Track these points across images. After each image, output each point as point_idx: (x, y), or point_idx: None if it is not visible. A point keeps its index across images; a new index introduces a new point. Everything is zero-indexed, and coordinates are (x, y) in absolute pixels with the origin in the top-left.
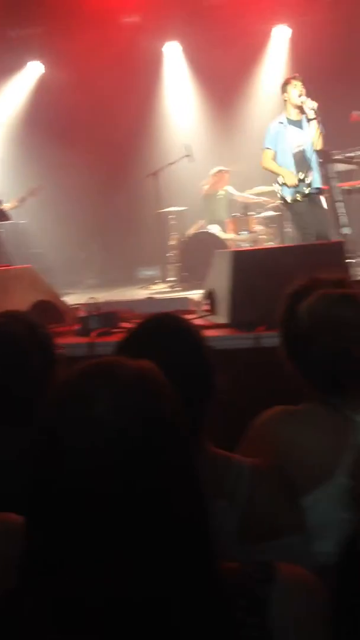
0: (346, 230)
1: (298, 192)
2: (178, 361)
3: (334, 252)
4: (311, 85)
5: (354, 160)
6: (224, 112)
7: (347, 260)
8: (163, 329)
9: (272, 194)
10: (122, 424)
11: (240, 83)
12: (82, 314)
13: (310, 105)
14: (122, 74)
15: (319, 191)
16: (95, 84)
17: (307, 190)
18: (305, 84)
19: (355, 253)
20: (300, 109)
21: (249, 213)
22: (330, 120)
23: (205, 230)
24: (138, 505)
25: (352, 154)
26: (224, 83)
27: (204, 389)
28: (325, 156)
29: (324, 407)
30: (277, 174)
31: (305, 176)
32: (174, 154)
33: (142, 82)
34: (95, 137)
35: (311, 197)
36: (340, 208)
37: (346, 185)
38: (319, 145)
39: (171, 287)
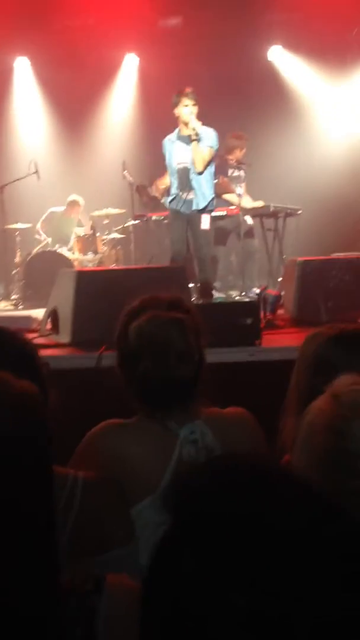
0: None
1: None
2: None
3: (176, 276)
4: (156, 112)
5: None
6: (74, 132)
7: (188, 284)
8: None
9: (120, 216)
10: None
11: (91, 105)
12: None
13: (192, 125)
14: None
15: (199, 212)
16: None
17: (173, 204)
18: (200, 103)
19: None
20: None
21: (96, 234)
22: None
23: (51, 249)
24: None
25: None
26: (74, 104)
27: None
28: (139, 189)
29: (151, 421)
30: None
31: (182, 194)
32: (21, 170)
33: None
34: None
35: (189, 217)
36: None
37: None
38: (199, 167)
39: (14, 304)
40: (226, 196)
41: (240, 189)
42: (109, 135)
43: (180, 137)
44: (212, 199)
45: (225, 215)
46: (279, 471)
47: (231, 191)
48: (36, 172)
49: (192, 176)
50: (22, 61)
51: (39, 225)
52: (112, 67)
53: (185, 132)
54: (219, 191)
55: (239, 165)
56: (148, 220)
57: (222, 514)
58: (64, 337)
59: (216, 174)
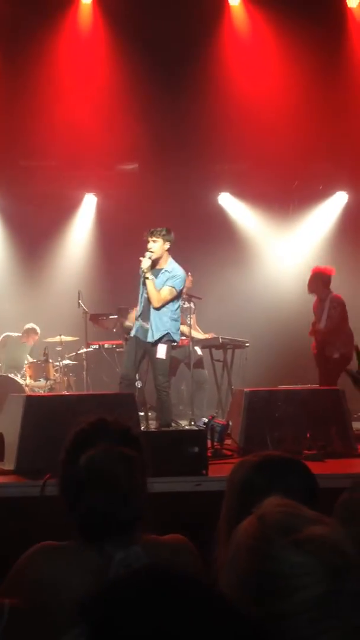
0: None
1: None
2: None
3: (126, 403)
4: (112, 248)
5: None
6: (33, 263)
7: (138, 412)
8: None
9: (73, 344)
10: None
11: (50, 238)
12: None
13: (142, 265)
14: None
15: (153, 344)
16: None
17: (132, 333)
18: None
19: None
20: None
21: (49, 361)
22: (130, 283)
23: (2, 374)
24: None
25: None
26: (34, 236)
27: None
28: (93, 318)
29: (87, 544)
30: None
31: (142, 323)
32: None
33: None
34: None
35: (145, 346)
36: None
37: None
38: (154, 304)
39: None
40: None
41: (190, 320)
42: (66, 267)
43: (152, 271)
44: (167, 333)
45: (176, 345)
46: (192, 586)
47: (183, 322)
48: None
49: (152, 308)
50: None
51: None
52: (71, 205)
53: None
54: None
55: (189, 297)
56: (101, 348)
57: (132, 632)
58: (9, 464)
59: None
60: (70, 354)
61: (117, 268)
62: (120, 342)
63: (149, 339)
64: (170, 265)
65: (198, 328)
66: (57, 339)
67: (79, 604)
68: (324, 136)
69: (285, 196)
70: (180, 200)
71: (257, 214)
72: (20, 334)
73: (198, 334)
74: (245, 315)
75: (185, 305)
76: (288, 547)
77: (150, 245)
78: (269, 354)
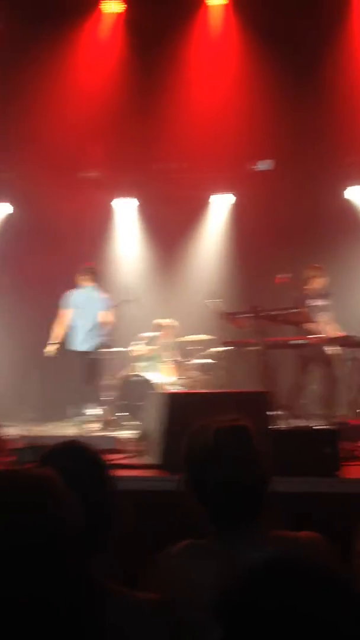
0: None
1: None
2: (77, 485)
3: (260, 401)
4: (246, 249)
5: (278, 318)
6: (169, 265)
7: (270, 411)
8: (66, 454)
9: (208, 342)
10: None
11: (184, 239)
12: (17, 446)
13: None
14: (78, 220)
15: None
16: (55, 226)
17: (80, 349)
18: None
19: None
20: None
21: (186, 359)
22: (262, 281)
23: (141, 373)
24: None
25: (274, 313)
26: (171, 237)
27: (100, 515)
28: (255, 313)
29: (220, 542)
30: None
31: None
32: (118, 297)
33: (95, 230)
34: (44, 275)
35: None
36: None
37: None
38: (110, 323)
39: (104, 426)
40: (307, 325)
41: (319, 318)
42: (200, 268)
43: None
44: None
45: (307, 344)
46: (335, 583)
47: (311, 320)
48: (135, 299)
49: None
50: (124, 200)
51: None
52: (205, 204)
53: None
54: (300, 320)
55: (317, 295)
56: (236, 346)
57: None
58: (152, 458)
59: (297, 304)
60: (206, 352)
61: (251, 266)
62: (253, 340)
63: (92, 349)
64: (100, 292)
65: (331, 325)
66: (193, 337)
67: (215, 601)
68: None
69: None
70: (315, 197)
71: None
72: (159, 332)
73: (330, 332)
74: None
75: (313, 304)
76: None
77: (87, 280)
78: None
